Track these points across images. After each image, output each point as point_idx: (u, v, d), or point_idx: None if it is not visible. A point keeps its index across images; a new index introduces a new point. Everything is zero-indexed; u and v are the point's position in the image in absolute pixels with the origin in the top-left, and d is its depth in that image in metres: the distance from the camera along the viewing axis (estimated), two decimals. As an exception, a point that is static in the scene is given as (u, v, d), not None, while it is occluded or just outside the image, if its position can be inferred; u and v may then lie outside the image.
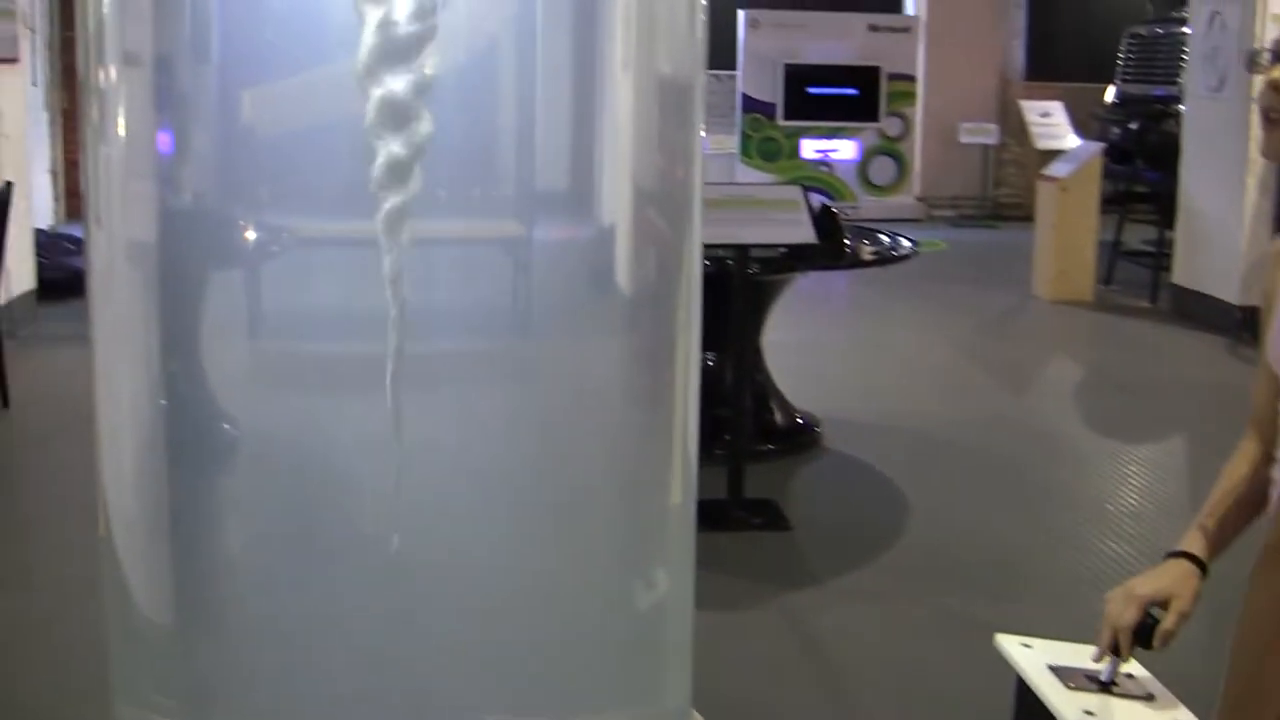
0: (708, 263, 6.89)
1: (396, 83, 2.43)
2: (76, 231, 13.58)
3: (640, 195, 2.71)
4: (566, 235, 2.68)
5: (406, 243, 2.49)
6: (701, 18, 2.82)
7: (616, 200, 2.69)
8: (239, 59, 2.61)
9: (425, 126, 2.45)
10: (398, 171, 2.46)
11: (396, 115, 2.44)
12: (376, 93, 2.44)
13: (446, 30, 2.43)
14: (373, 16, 2.41)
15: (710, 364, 7.82)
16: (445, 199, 2.53)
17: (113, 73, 2.74)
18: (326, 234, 2.63)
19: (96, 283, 2.88)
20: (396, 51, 2.43)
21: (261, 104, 2.60)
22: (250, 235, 2.62)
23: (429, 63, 2.43)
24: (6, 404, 8.79)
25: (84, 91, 2.81)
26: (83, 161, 2.87)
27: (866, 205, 18.39)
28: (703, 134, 2.86)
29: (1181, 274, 12.57)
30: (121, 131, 2.75)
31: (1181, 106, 13.27)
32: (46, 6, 14.35)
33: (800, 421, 8.34)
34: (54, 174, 14.89)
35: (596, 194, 2.69)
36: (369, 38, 2.42)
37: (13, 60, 11.04)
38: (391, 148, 2.45)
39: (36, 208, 12.64)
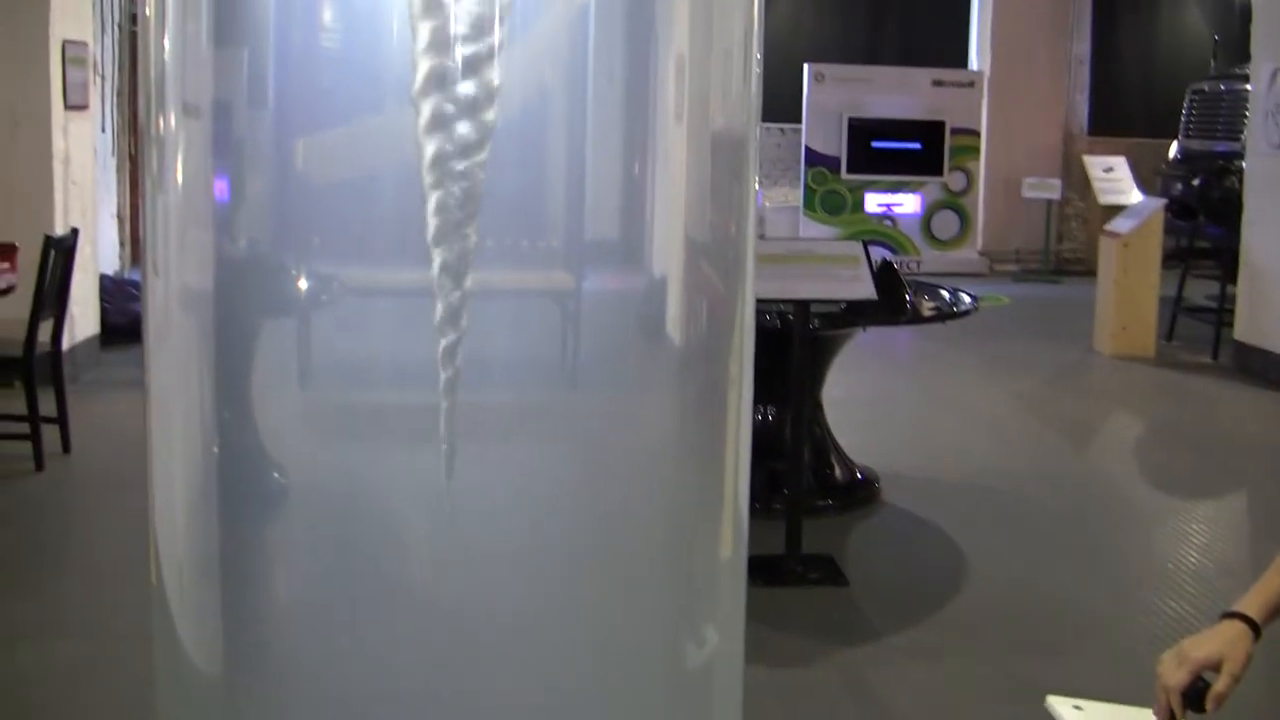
0: (768, 316, 6.97)
1: (456, 123, 2.45)
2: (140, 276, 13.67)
3: (692, 248, 2.70)
4: (617, 287, 2.67)
5: (460, 293, 2.49)
6: (756, 70, 2.82)
7: (668, 252, 2.68)
8: (295, 106, 2.62)
9: (481, 173, 2.46)
10: (451, 225, 2.47)
11: (453, 156, 2.45)
12: (428, 125, 2.45)
13: (501, 80, 2.44)
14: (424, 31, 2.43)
15: (769, 418, 7.81)
16: (495, 249, 2.53)
17: (172, 120, 2.76)
18: (379, 283, 2.64)
19: (152, 330, 2.89)
20: (450, 79, 2.44)
21: (316, 151, 2.61)
22: (303, 284, 2.62)
23: (489, 107, 2.44)
24: (68, 449, 8.85)
25: (144, 139, 2.83)
26: (142, 210, 2.89)
27: (929, 259, 18.39)
28: (757, 187, 2.85)
29: (1244, 330, 12.48)
30: (179, 179, 2.77)
31: (1244, 163, 13.21)
32: (115, 53, 14.51)
33: (859, 476, 8.31)
34: (120, 219, 15.03)
35: (648, 246, 2.68)
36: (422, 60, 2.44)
37: (83, 107, 11.16)
38: (449, 190, 2.46)
39: (102, 253, 12.76)
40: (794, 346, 6.71)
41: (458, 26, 2.47)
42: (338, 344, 2.67)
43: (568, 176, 2.61)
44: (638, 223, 2.66)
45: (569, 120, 2.57)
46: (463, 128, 2.47)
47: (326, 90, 2.58)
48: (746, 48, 2.79)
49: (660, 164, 2.64)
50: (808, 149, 18.46)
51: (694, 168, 2.68)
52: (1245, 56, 13.44)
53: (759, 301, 2.93)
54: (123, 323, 11.91)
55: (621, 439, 2.73)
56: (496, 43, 2.47)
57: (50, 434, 8.74)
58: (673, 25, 2.64)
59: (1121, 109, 20.42)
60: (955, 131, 18.56)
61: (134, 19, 15.12)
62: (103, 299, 11.82)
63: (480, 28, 2.47)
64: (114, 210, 14.80)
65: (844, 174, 18.45)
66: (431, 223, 2.49)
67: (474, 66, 2.45)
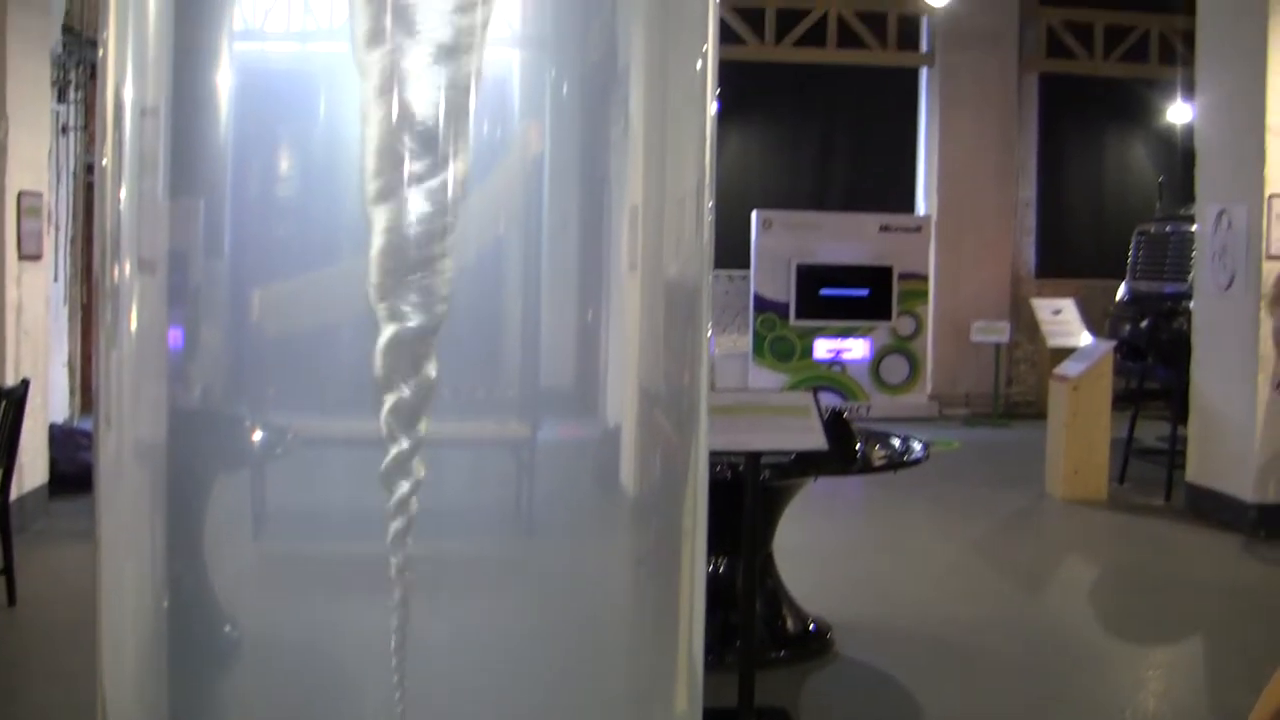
0: (719, 468, 6.97)
1: (408, 317, 2.47)
2: (91, 426, 13.59)
3: (646, 397, 2.71)
4: (572, 436, 2.68)
5: (412, 442, 2.49)
6: (709, 219, 2.85)
7: (622, 402, 2.69)
8: (250, 257, 2.63)
9: (432, 369, 2.47)
10: (406, 412, 2.48)
11: (407, 355, 2.47)
12: (387, 331, 2.47)
13: (456, 231, 2.46)
14: (380, 222, 2.45)
15: (721, 569, 7.78)
16: (450, 399, 2.53)
17: (127, 272, 2.76)
18: (333, 433, 2.63)
19: (103, 482, 2.87)
20: (407, 267, 2.46)
21: (271, 302, 2.62)
22: (257, 434, 2.62)
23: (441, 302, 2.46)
24: (14, 601, 8.74)
25: (98, 292, 2.83)
26: (95, 358, 2.88)
27: (879, 404, 18.46)
28: (710, 335, 2.87)
29: (1195, 472, 12.53)
30: (133, 332, 2.76)
31: (1191, 304, 13.33)
32: (70, 202, 14.54)
33: (812, 627, 8.27)
34: (71, 368, 14.97)
35: (602, 395, 2.69)
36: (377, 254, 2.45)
37: (37, 257, 11.16)
38: (403, 393, 2.48)
39: (52, 401, 12.69)
40: (746, 498, 6.70)
41: (413, 187, 2.48)
42: (291, 494, 2.66)
43: (522, 325, 2.62)
44: (592, 372, 2.67)
45: (523, 269, 2.59)
46: (417, 276, 2.48)
47: (281, 240, 2.59)
48: (699, 197, 2.82)
49: (614, 313, 2.65)
50: (756, 295, 18.56)
51: (648, 317, 2.70)
52: (1190, 197, 13.62)
53: (709, 454, 2.93)
54: (72, 472, 11.81)
55: (576, 590, 2.72)
56: (451, 196, 2.49)
57: (-4, 585, 8.65)
58: (626, 176, 2.66)
59: (1069, 251, 20.63)
60: (903, 276, 18.71)
61: (89, 169, 15.17)
62: (52, 448, 11.74)
63: (436, 189, 2.49)
64: (65, 359, 14.74)
65: (793, 320, 18.53)
66: (383, 369, 2.49)
67: (428, 223, 2.47)
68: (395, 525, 2.51)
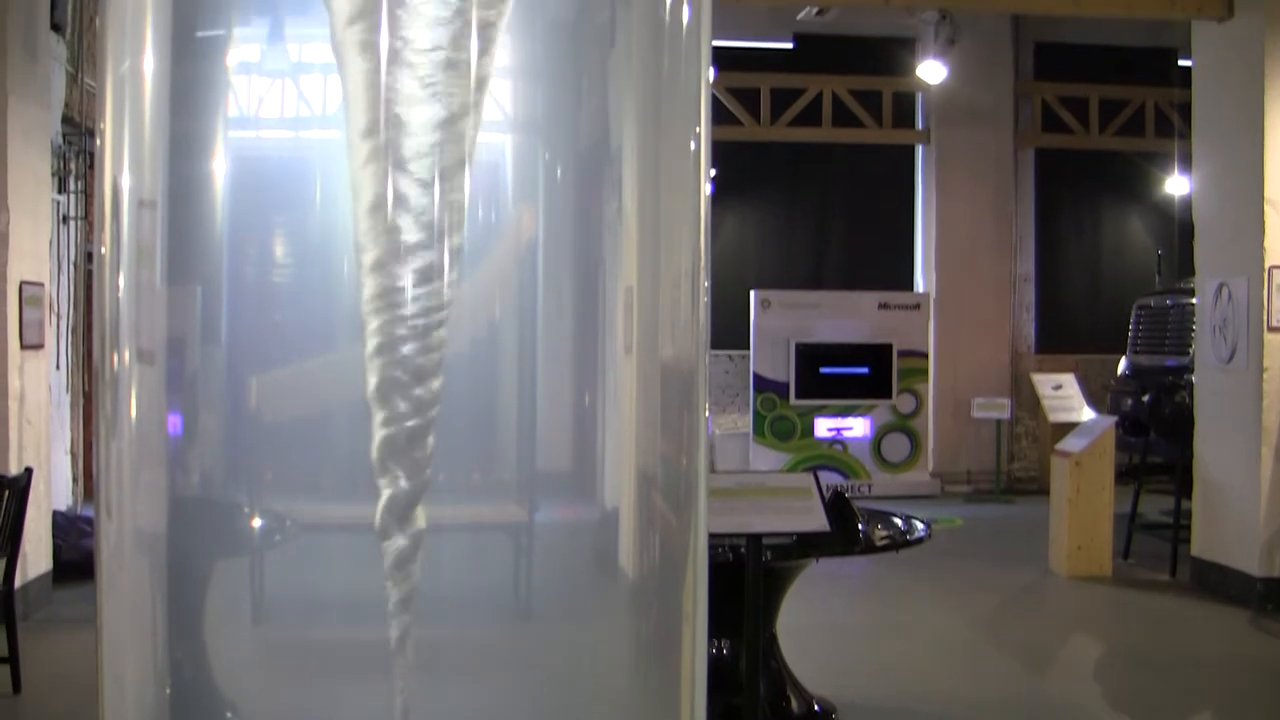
0: (720, 550, 6.96)
1: (404, 417, 2.48)
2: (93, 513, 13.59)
3: (644, 479, 2.71)
4: (570, 518, 2.67)
5: (410, 531, 2.49)
6: (705, 300, 2.86)
7: (620, 485, 2.69)
8: (247, 344, 2.64)
9: (427, 464, 2.48)
10: (399, 506, 2.48)
11: (403, 451, 2.48)
12: (380, 432, 2.48)
13: (464, 318, 2.47)
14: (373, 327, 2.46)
15: (724, 651, 7.75)
16: (447, 483, 2.53)
17: (126, 361, 2.77)
18: (332, 518, 2.63)
19: (105, 571, 2.87)
20: (403, 380, 2.47)
21: (269, 388, 2.62)
22: (256, 521, 2.62)
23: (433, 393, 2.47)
24: (18, 689, 8.71)
25: (98, 381, 2.84)
26: (95, 451, 2.89)
27: (880, 482, 18.44)
28: (708, 416, 2.88)
29: (1201, 546, 12.50)
30: (133, 421, 2.77)
31: (1193, 377, 13.34)
32: (71, 291, 14.59)
33: (816, 708, 8.22)
34: (73, 455, 14.98)
35: (600, 478, 2.69)
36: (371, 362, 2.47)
37: (39, 346, 11.19)
38: (398, 485, 2.48)
39: (55, 489, 12.69)
40: (747, 580, 6.68)
41: (406, 268, 2.50)
42: (290, 581, 2.65)
43: (519, 408, 2.62)
44: (589, 455, 2.67)
45: (519, 352, 2.60)
46: (413, 361, 2.49)
47: (278, 327, 2.60)
48: (694, 278, 2.83)
49: (611, 396, 2.66)
50: (756, 375, 18.58)
51: (644, 399, 2.71)
52: (1189, 271, 13.65)
53: (710, 536, 2.93)
54: (75, 559, 11.81)
55: (576, 675, 2.71)
56: (446, 284, 2.50)
57: (0, 674, 8.61)
58: (621, 258, 2.68)
59: (1068, 326, 20.68)
60: (903, 353, 18.73)
61: (90, 257, 15.23)
62: (55, 535, 11.74)
63: (428, 270, 2.50)
64: (67, 446, 14.76)
65: (793, 399, 18.54)
66: (379, 460, 2.50)
67: (423, 315, 2.48)
68: (394, 611, 2.51)
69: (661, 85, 2.79)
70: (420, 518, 2.51)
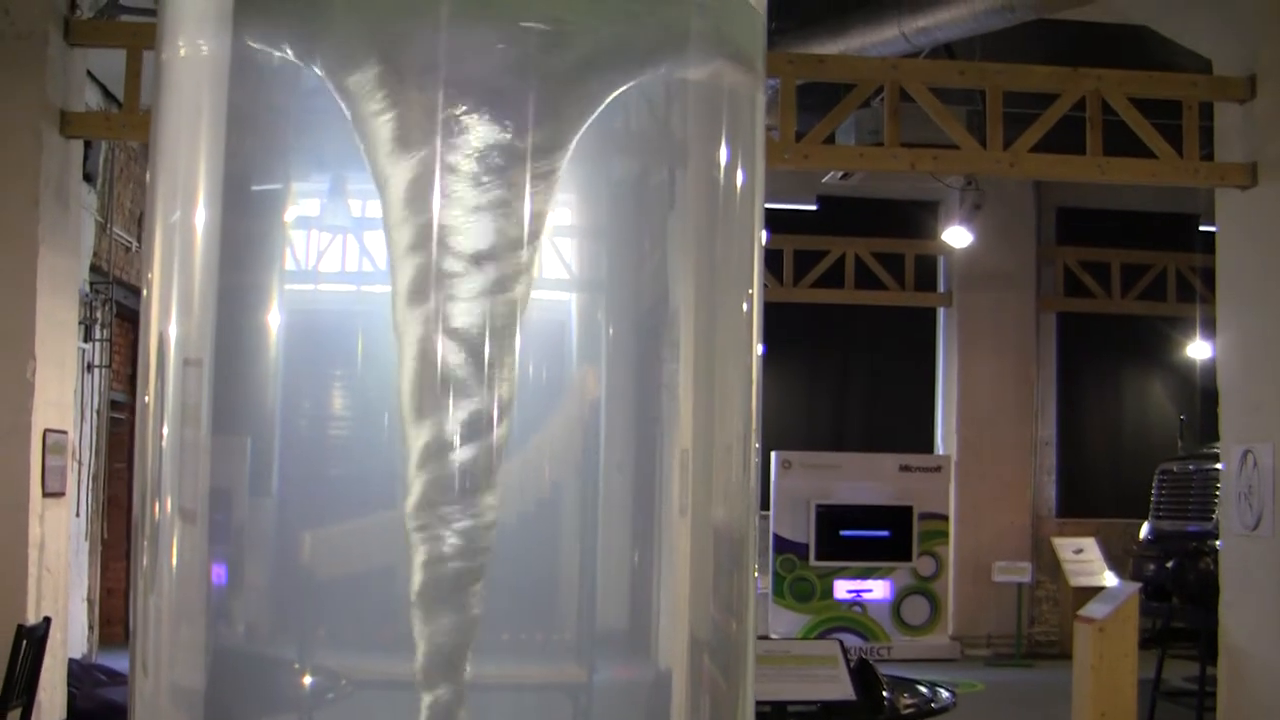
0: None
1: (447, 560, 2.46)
2: (110, 661, 13.53)
3: (696, 644, 2.68)
4: (623, 679, 2.64)
5: (457, 691, 2.46)
6: (755, 462, 2.84)
7: (674, 647, 2.66)
8: (296, 498, 2.63)
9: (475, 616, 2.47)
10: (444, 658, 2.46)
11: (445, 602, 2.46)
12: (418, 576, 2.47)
13: (515, 477, 2.45)
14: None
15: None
16: (497, 640, 2.51)
17: (168, 514, 2.75)
18: (382, 675, 2.60)
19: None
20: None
21: (320, 543, 2.60)
22: (303, 679, 2.59)
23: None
24: (31, 844, 8.61)
25: (136, 535, 2.82)
26: (132, 607, 2.86)
27: (900, 646, 18.29)
28: (756, 577, 2.85)
29: (1227, 714, 12.34)
30: (173, 574, 2.75)
31: (1218, 543, 13.24)
32: (94, 439, 14.61)
33: None
34: (90, 603, 14.93)
35: (654, 641, 2.66)
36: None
37: (60, 494, 11.18)
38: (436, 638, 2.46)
39: (71, 637, 12.62)
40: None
41: (455, 434, 2.49)
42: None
43: (578, 569, 2.60)
44: (644, 615, 2.65)
45: (580, 514, 2.58)
46: (456, 521, 2.47)
47: (329, 481, 2.59)
48: (746, 441, 2.82)
49: (666, 557, 2.64)
50: (776, 536, 18.49)
51: (697, 561, 2.69)
52: (1212, 435, 13.60)
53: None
54: (89, 708, 11.73)
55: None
56: (495, 442, 2.49)
57: (13, 827, 8.53)
58: (678, 419, 2.67)
59: (1089, 490, 20.60)
60: (924, 516, 18.65)
61: (114, 405, 15.29)
62: (70, 684, 11.66)
63: (476, 424, 2.49)
64: (85, 594, 14.71)
65: (813, 561, 18.45)
66: (419, 610, 2.48)
67: (472, 475, 2.47)
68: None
69: (716, 246, 2.79)
70: (466, 673, 2.48)
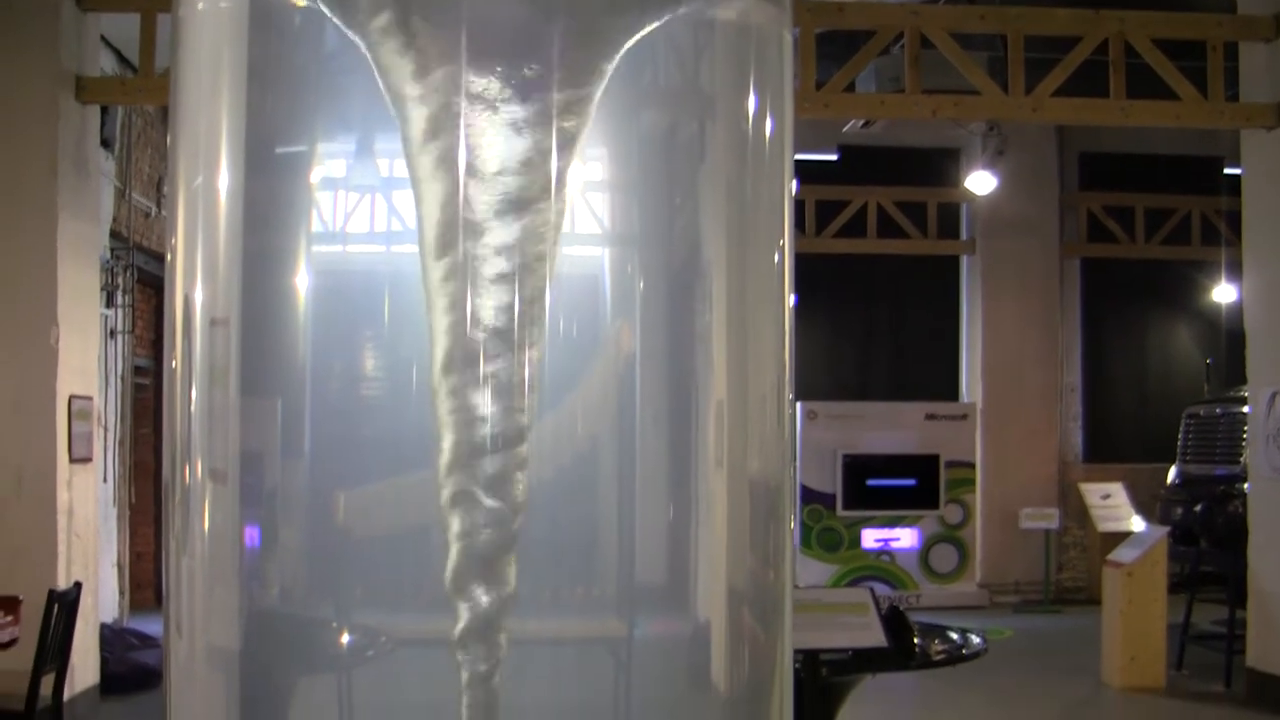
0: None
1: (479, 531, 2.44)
2: (141, 625, 13.58)
3: (734, 595, 2.66)
4: (663, 633, 2.63)
5: (494, 649, 2.44)
6: (789, 413, 2.82)
7: (712, 600, 2.65)
8: (329, 458, 2.61)
9: (510, 581, 2.44)
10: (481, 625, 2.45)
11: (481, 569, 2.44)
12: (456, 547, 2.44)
13: (549, 432, 2.43)
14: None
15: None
16: (540, 599, 2.49)
17: (199, 477, 2.73)
18: (418, 634, 2.59)
19: (175, 691, 2.83)
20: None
21: (353, 503, 2.59)
22: (338, 638, 2.58)
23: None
24: (66, 806, 8.64)
25: (167, 499, 2.81)
26: (164, 569, 2.85)
27: (928, 593, 18.27)
28: (794, 529, 2.84)
29: (1256, 657, 12.31)
30: (205, 536, 2.74)
31: (1245, 485, 13.19)
32: (119, 405, 14.63)
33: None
34: (120, 567, 14.97)
35: (692, 593, 2.64)
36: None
37: (87, 460, 11.20)
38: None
39: (102, 602, 12.67)
40: (804, 697, 6.59)
41: (486, 389, 2.46)
42: (374, 697, 2.61)
43: (616, 523, 2.59)
44: (682, 570, 2.63)
45: (618, 467, 2.56)
46: (489, 474, 2.45)
47: (361, 442, 2.57)
48: (780, 391, 2.80)
49: (704, 509, 2.62)
50: (803, 487, 18.46)
51: (734, 513, 2.67)
52: (1239, 379, 13.54)
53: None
54: (123, 671, 11.78)
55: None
56: (528, 399, 2.46)
57: (48, 790, 8.55)
58: (712, 372, 2.64)
59: (1116, 435, 20.53)
60: (950, 464, 18.60)
61: (137, 370, 15.30)
62: (102, 649, 11.71)
63: (507, 383, 2.47)
64: (114, 559, 14.75)
65: (840, 510, 18.43)
66: (458, 574, 2.46)
67: (503, 427, 2.45)
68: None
69: (746, 198, 2.76)
70: (504, 633, 2.46)
